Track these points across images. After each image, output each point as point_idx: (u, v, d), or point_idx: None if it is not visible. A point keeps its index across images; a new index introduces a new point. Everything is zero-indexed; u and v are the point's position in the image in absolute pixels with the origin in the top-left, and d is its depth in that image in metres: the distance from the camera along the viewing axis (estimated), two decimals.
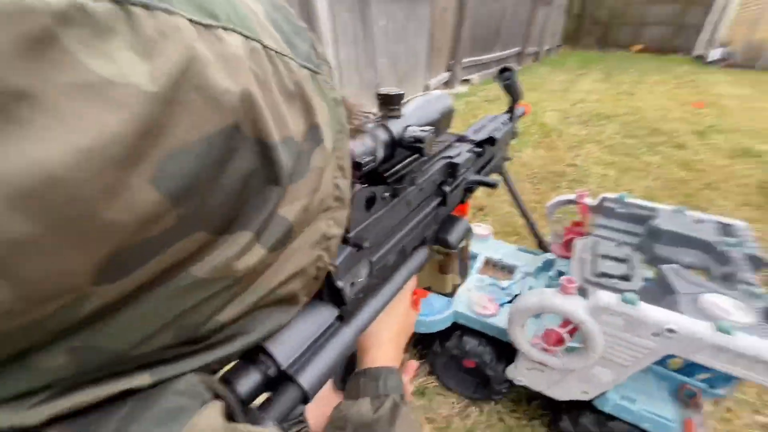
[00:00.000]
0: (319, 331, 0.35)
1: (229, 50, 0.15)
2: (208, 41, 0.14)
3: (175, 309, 0.17)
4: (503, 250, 1.23)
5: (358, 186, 0.38)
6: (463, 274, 0.70)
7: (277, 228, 0.19)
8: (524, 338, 0.80)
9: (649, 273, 0.90)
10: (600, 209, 1.09)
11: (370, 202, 0.39)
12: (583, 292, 0.81)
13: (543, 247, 1.16)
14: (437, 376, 1.09)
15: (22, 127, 0.10)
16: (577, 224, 1.18)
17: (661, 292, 0.77)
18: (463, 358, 1.01)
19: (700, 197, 2.28)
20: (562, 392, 0.84)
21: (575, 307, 0.71)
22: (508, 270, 1.17)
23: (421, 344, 1.19)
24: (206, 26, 0.14)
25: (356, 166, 0.34)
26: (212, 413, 0.17)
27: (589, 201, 1.14)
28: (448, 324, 0.98)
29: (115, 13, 0.11)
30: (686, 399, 0.79)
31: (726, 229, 0.96)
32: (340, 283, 0.36)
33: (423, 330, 0.96)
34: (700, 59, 9.78)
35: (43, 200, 0.11)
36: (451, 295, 0.68)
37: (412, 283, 0.55)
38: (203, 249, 0.17)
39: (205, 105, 0.14)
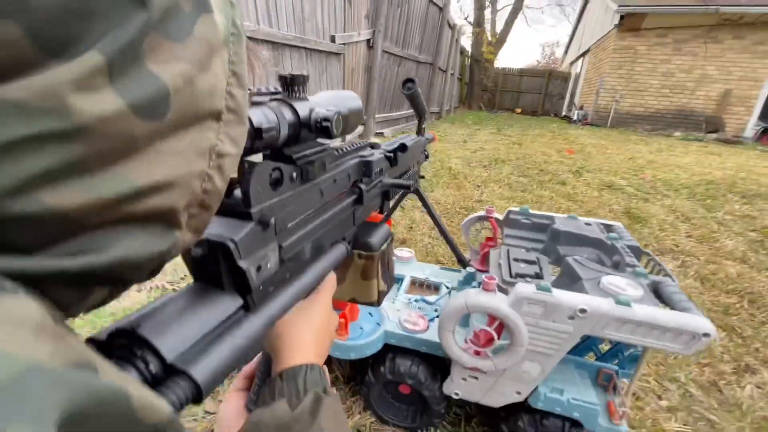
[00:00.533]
0: (217, 321, 0.30)
1: None
2: None
3: None
4: (427, 270, 1.25)
5: (261, 158, 0.36)
6: (388, 280, 0.68)
7: (145, 84, 0.15)
8: (455, 344, 0.79)
9: (555, 272, 0.98)
10: (507, 222, 1.19)
11: (277, 180, 0.37)
12: (503, 292, 0.84)
13: (462, 262, 1.21)
14: (373, 411, 1.01)
15: None
16: (490, 239, 1.26)
17: (568, 282, 0.84)
18: (398, 383, 0.96)
19: None
20: (497, 398, 0.83)
21: (498, 301, 0.73)
22: (434, 288, 1.18)
23: (353, 380, 1.11)
24: None
25: (256, 133, 0.32)
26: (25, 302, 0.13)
27: (498, 216, 1.23)
28: (380, 346, 0.93)
29: None
30: (605, 383, 0.83)
31: (609, 229, 1.11)
32: (242, 263, 0.32)
33: (354, 356, 0.90)
34: (567, 118, 11.94)
35: None
36: (377, 303, 0.65)
37: (331, 284, 0.51)
38: (24, 64, 0.12)
39: None
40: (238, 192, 0.34)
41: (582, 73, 13.33)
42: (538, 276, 0.91)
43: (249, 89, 0.33)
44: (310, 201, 0.44)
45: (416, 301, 1.06)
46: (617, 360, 0.91)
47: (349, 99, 0.50)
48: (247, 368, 0.48)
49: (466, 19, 17.74)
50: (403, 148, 0.75)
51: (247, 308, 0.34)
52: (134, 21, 0.14)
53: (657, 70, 9.39)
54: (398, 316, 0.98)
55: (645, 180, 4.02)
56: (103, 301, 0.19)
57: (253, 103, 0.34)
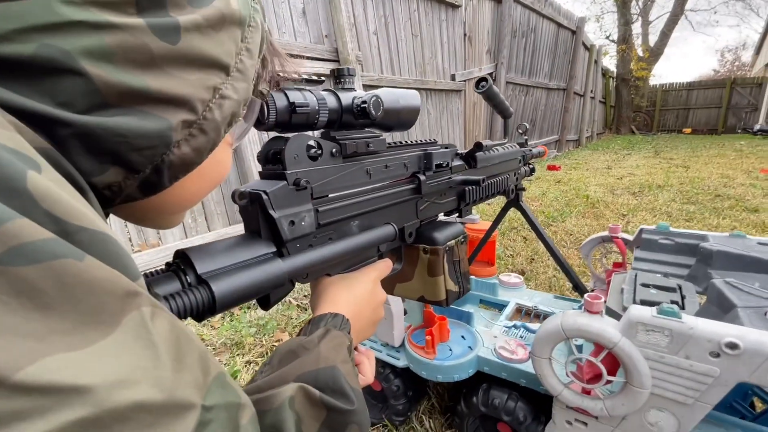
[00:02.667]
0: (250, 257, 0.36)
1: None
2: None
3: (44, 16, 0.19)
4: (538, 298, 1.11)
5: (304, 134, 0.42)
6: (459, 282, 0.64)
7: (164, 18, 0.23)
8: (553, 376, 0.67)
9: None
10: (639, 242, 0.97)
11: (314, 154, 0.43)
12: (616, 317, 0.69)
13: (579, 289, 1.03)
14: None
15: None
16: (618, 264, 1.05)
17: (716, 312, 0.63)
18: (496, 418, 0.85)
19: None
20: None
21: (603, 325, 0.60)
22: (543, 317, 1.03)
23: (451, 411, 1.03)
24: None
25: (291, 106, 0.39)
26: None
27: (626, 236, 1.03)
28: (471, 372, 0.85)
29: None
30: None
31: None
32: (274, 213, 0.38)
33: (441, 378, 0.84)
34: (764, 132, 9.31)
35: None
36: (446, 303, 0.61)
37: (384, 265, 0.53)
38: None
39: None
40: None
41: None
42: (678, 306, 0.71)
43: (294, 75, 0.40)
44: (354, 178, 0.48)
45: (516, 327, 0.94)
46: None
47: (405, 96, 0.53)
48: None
49: (608, 37, 16.07)
50: (479, 146, 0.72)
51: (281, 256, 0.39)
52: None
53: None
54: (495, 342, 0.89)
55: None
56: (120, 190, 0.25)
57: (296, 88, 0.40)
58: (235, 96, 0.28)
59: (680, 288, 0.77)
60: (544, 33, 5.88)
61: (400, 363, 0.91)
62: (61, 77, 0.20)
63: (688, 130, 13.08)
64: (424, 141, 0.64)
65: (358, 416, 0.32)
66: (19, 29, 0.19)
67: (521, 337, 0.92)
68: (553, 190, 3.81)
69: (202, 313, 0.31)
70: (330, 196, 0.46)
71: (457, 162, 0.70)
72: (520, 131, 1.03)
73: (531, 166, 1.04)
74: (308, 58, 2.48)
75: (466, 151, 0.73)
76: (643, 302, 0.72)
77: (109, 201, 0.26)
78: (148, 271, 0.33)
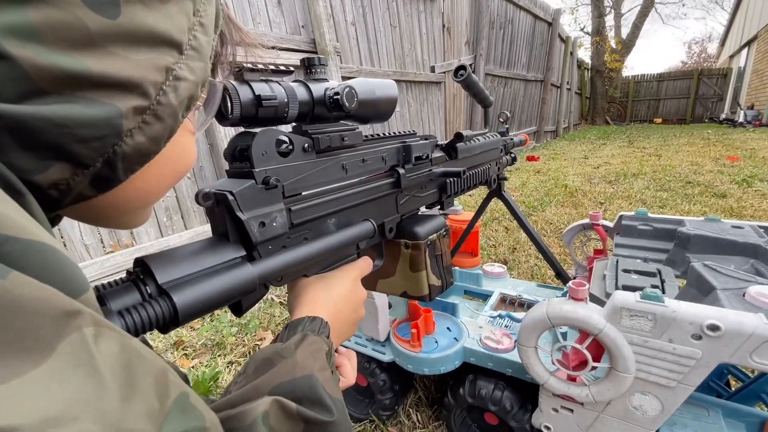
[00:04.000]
0: (214, 263, 0.33)
1: None
2: None
3: None
4: (522, 287, 1.11)
5: (273, 129, 0.39)
6: (441, 276, 0.63)
7: None
8: (539, 363, 0.67)
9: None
10: (619, 229, 0.99)
11: (285, 150, 0.40)
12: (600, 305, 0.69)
13: (563, 277, 1.04)
14: None
15: None
16: (599, 251, 1.06)
17: (698, 295, 0.64)
18: (483, 409, 0.85)
19: None
20: None
21: (588, 312, 0.60)
22: (527, 306, 1.04)
23: (438, 404, 1.02)
24: None
25: (257, 100, 0.36)
26: None
27: (606, 223, 1.04)
28: (457, 363, 0.85)
29: None
30: None
31: None
32: (242, 215, 0.35)
33: (427, 371, 0.83)
34: (729, 122, 9.72)
35: None
36: (429, 298, 0.60)
37: (364, 263, 0.51)
38: None
39: None
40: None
41: (748, 65, 10.82)
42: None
43: (258, 66, 0.37)
44: (328, 173, 0.46)
45: (501, 317, 0.94)
46: None
47: (381, 86, 0.51)
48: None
49: (582, 29, 16.38)
50: (458, 137, 0.70)
51: (251, 260, 0.36)
52: None
53: None
54: (480, 333, 0.88)
55: None
56: (69, 189, 0.22)
57: (263, 79, 0.37)
58: (192, 77, 0.25)
59: (660, 272, 0.78)
60: (521, 24, 5.92)
61: (386, 357, 0.89)
62: None
63: (659, 120, 13.54)
64: (402, 133, 0.62)
65: (338, 427, 0.30)
66: None
67: (506, 326, 0.92)
68: (532, 180, 3.87)
69: (164, 326, 0.29)
70: (303, 194, 0.43)
71: (438, 153, 0.68)
72: (501, 120, 1.02)
73: (513, 155, 1.04)
74: (284, 49, 2.41)
75: (446, 142, 0.72)
76: (626, 287, 0.73)
77: (56, 201, 0.23)
78: (106, 282, 0.30)
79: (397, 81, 3.47)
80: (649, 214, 0.96)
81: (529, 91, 6.73)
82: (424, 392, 1.07)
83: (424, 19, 3.74)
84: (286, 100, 0.38)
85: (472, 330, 0.90)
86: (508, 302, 1.07)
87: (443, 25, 4.04)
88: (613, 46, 12.64)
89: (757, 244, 0.75)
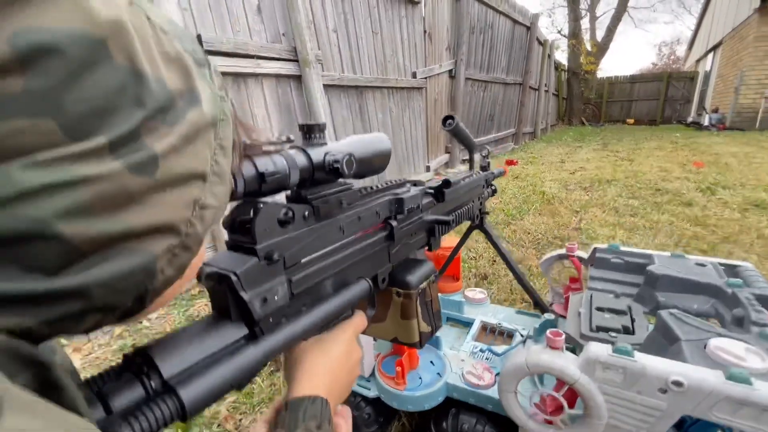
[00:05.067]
0: (218, 347, 0.34)
1: None
2: None
3: (3, 188, 0.17)
4: (502, 314, 1.15)
5: (270, 200, 0.39)
6: (431, 322, 0.65)
7: (140, 153, 0.21)
8: (518, 408, 0.70)
9: (652, 325, 0.81)
10: (594, 261, 1.03)
11: (286, 219, 0.40)
12: (580, 348, 0.73)
13: (540, 306, 1.08)
14: None
15: None
16: (574, 280, 1.11)
17: (662, 342, 0.68)
18: None
19: (719, 251, 2.16)
20: None
21: (565, 362, 0.63)
22: (507, 335, 1.07)
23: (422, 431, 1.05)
24: None
25: (260, 177, 0.36)
26: None
27: (581, 254, 1.09)
28: (440, 399, 0.87)
29: None
30: None
31: (732, 271, 0.88)
32: (244, 295, 0.35)
33: (411, 408, 0.86)
34: (695, 125, 10.17)
35: None
36: (419, 345, 0.62)
37: (359, 320, 0.52)
38: (54, 144, 0.18)
39: (74, 10, 0.18)
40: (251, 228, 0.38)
41: (713, 70, 11.33)
42: (627, 331, 0.76)
43: (260, 141, 0.37)
44: (327, 237, 0.46)
45: (482, 351, 0.97)
46: None
47: (374, 141, 0.51)
48: (278, 401, 0.50)
49: (559, 32, 16.75)
50: (446, 183, 0.72)
51: (255, 337, 0.36)
52: (134, 115, 0.20)
53: None
54: (462, 366, 0.91)
55: None
56: (96, 325, 0.23)
57: (264, 152, 0.37)
58: (215, 203, 0.26)
59: (630, 310, 0.83)
60: (501, 29, 6.00)
61: (371, 393, 0.91)
62: (30, 244, 0.18)
63: (632, 121, 14.04)
64: (393, 183, 0.63)
65: None
66: None
67: (487, 359, 0.95)
68: (511, 186, 3.95)
69: (169, 423, 0.29)
70: (303, 261, 0.43)
71: (426, 200, 0.70)
72: (483, 154, 1.04)
73: (493, 188, 1.07)
74: (265, 58, 2.37)
75: (434, 187, 0.73)
76: (599, 328, 0.77)
77: (78, 331, 0.23)
78: (104, 371, 0.30)
79: (379, 87, 3.48)
80: (622, 248, 1.01)
81: (509, 94, 6.85)
82: (407, 419, 1.10)
83: (405, 24, 3.74)
84: (287, 171, 0.39)
85: (454, 364, 0.93)
86: (489, 330, 1.10)
87: (425, 31, 4.06)
88: (589, 48, 12.99)
89: (717, 286, 0.80)
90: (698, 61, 14.00)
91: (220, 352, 0.33)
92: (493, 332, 1.09)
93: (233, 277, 0.35)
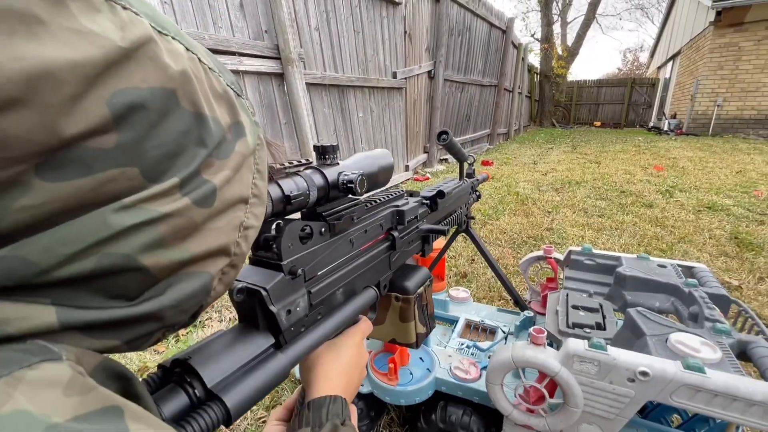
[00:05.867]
0: (251, 356, 0.37)
1: (174, 47, 0.22)
2: (162, 38, 0.21)
3: (100, 231, 0.19)
4: (484, 312, 1.22)
5: (292, 219, 0.43)
6: (426, 323, 0.70)
7: (203, 187, 0.24)
8: (505, 399, 0.77)
9: (620, 321, 0.90)
10: (569, 262, 1.12)
11: (306, 235, 0.43)
12: (559, 345, 0.80)
13: (520, 304, 1.16)
14: None
15: (35, 38, 0.16)
16: (551, 280, 1.20)
17: (630, 337, 0.76)
18: None
19: (676, 250, 2.34)
20: None
21: (546, 357, 0.70)
22: (489, 331, 1.14)
23: (409, 423, 1.11)
24: (160, 32, 0.21)
25: (286, 199, 0.39)
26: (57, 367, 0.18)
27: (557, 255, 1.17)
28: (430, 393, 0.93)
29: (101, 2, 0.19)
30: None
31: (688, 272, 0.99)
32: (273, 308, 0.39)
33: (403, 401, 0.91)
34: (656, 129, 10.75)
35: (39, 80, 0.16)
36: (416, 345, 0.67)
37: (365, 325, 0.56)
38: (135, 188, 0.20)
39: (154, 69, 0.20)
40: (274, 245, 0.41)
41: (672, 77, 12.01)
42: (600, 327, 0.84)
43: (283, 164, 0.41)
44: (340, 251, 0.50)
45: (468, 347, 1.04)
46: (707, 428, 0.79)
47: (379, 158, 0.56)
48: (289, 400, 0.53)
49: (533, 35, 17.25)
50: (440, 194, 0.78)
51: (279, 346, 0.40)
52: (199, 154, 0.23)
53: None
54: (449, 362, 0.97)
55: (759, 198, 3.44)
56: (157, 340, 0.27)
57: (287, 174, 0.41)
58: (257, 223, 0.29)
59: (602, 308, 0.91)
60: (478, 32, 6.14)
61: (364, 389, 0.96)
62: (118, 276, 0.21)
63: (598, 123, 14.69)
64: (392, 195, 0.67)
65: None
66: (78, 251, 0.19)
67: (472, 354, 1.02)
68: (487, 186, 4.08)
69: (215, 429, 0.32)
70: (319, 273, 0.46)
71: (422, 210, 0.75)
72: (469, 162, 1.10)
73: (478, 194, 1.13)
74: (248, 55, 2.35)
75: (429, 196, 0.78)
76: (575, 325, 0.85)
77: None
78: (145, 376, 0.33)
79: (360, 87, 3.50)
80: (594, 250, 1.10)
81: (484, 95, 7.02)
82: (396, 412, 1.15)
83: (386, 24, 3.78)
84: (308, 191, 0.42)
85: (442, 359, 0.99)
86: (473, 327, 1.17)
87: (405, 32, 4.11)
88: (560, 53, 13.46)
89: (676, 285, 0.90)
90: (659, 68, 14.81)
91: (253, 361, 0.37)
92: (476, 329, 1.16)
93: (264, 293, 0.38)
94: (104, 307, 0.21)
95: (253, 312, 0.39)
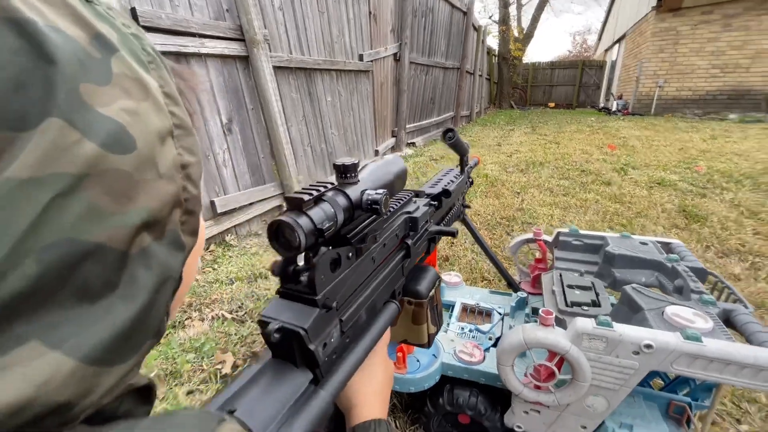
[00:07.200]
0: (294, 397, 0.36)
1: None
2: None
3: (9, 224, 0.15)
4: (478, 295, 1.26)
5: (323, 249, 0.40)
6: (436, 322, 0.70)
7: (103, 125, 0.18)
8: (515, 379, 0.80)
9: (612, 297, 0.96)
10: (557, 243, 1.17)
11: (335, 264, 0.41)
12: (560, 323, 0.84)
13: (513, 286, 1.20)
14: None
15: None
16: (539, 260, 1.25)
17: (627, 312, 0.82)
18: (457, 413, 0.97)
19: (635, 225, 2.53)
20: None
21: (557, 337, 0.73)
22: (485, 314, 1.18)
23: (411, 408, 1.13)
24: None
25: (318, 232, 0.36)
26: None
27: (546, 237, 1.22)
28: (437, 378, 0.95)
29: None
30: (677, 416, 0.80)
31: (667, 248, 1.06)
32: (312, 346, 0.37)
33: (413, 389, 0.92)
34: (605, 110, 11.38)
35: None
36: (428, 345, 0.67)
37: (386, 339, 0.55)
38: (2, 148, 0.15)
39: None
40: (304, 277, 0.38)
41: (618, 60, 12.69)
42: (595, 304, 0.89)
43: (310, 187, 0.37)
44: (364, 271, 0.48)
45: (470, 330, 1.07)
46: (688, 388, 0.88)
47: (392, 164, 0.53)
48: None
49: (490, 17, 17.47)
50: (446, 193, 0.78)
51: (317, 380, 0.39)
52: (57, 80, 0.17)
53: (704, 50, 8.77)
54: (453, 346, 0.99)
55: (700, 173, 3.76)
56: (150, 348, 0.24)
57: (315, 201, 0.38)
58: (193, 158, 0.25)
59: (594, 285, 0.97)
60: (440, 13, 6.11)
61: None
62: (77, 271, 0.18)
63: (552, 105, 15.32)
64: (403, 200, 0.63)
65: None
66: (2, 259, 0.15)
67: (474, 337, 1.05)
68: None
69: None
70: (347, 299, 0.45)
71: (430, 210, 0.73)
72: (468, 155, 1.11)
73: (471, 180, 1.14)
74: (210, 36, 2.19)
75: (434, 194, 0.77)
76: (574, 304, 0.89)
77: None
78: None
79: (328, 70, 3.39)
80: (580, 231, 1.15)
81: (448, 78, 7.06)
82: (397, 399, 1.17)
83: (351, 4, 3.66)
84: (335, 217, 0.39)
85: (445, 344, 1.01)
86: (469, 311, 1.20)
87: (370, 12, 4.00)
88: (516, 35, 13.75)
89: (660, 261, 0.96)
90: (606, 50, 15.58)
91: (298, 401, 0.35)
92: (473, 312, 1.19)
93: (302, 332, 0.36)
94: (98, 319, 0.18)
95: (289, 350, 0.37)
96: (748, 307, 0.78)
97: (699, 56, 8.86)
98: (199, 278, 2.03)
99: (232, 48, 2.36)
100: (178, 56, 2.04)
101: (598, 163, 4.23)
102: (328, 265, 0.39)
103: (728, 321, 0.76)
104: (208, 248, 2.31)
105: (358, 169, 0.46)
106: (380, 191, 0.44)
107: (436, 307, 0.70)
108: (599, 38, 18.59)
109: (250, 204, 2.60)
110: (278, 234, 0.36)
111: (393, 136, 5.06)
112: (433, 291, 0.67)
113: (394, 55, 4.73)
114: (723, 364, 0.65)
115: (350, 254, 0.44)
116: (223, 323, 1.58)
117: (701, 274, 0.92)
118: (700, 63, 8.89)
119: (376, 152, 4.50)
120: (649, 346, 0.68)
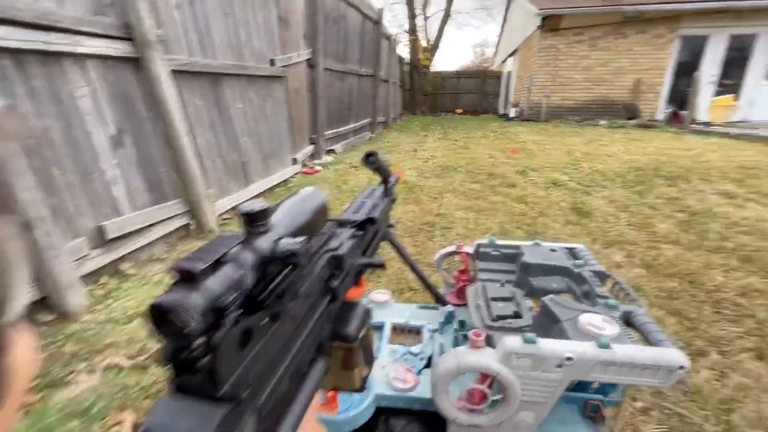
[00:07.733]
0: None
1: None
2: None
3: None
4: (407, 312, 1.24)
5: (227, 322, 0.30)
6: (369, 362, 0.65)
7: None
8: (451, 405, 0.79)
9: (531, 303, 1.02)
10: (478, 255, 1.21)
11: (246, 338, 0.32)
12: (488, 340, 0.85)
13: (440, 300, 1.21)
14: None
15: None
16: (463, 272, 1.28)
17: (547, 323, 0.87)
18: None
19: (538, 224, 2.79)
20: None
21: (488, 360, 0.73)
22: (415, 332, 1.17)
23: None
24: None
25: (217, 312, 0.28)
26: None
27: (468, 249, 1.26)
28: (372, 411, 0.90)
29: None
30: (592, 414, 0.87)
31: (572, 252, 1.17)
32: None
33: (347, 429, 0.86)
34: (505, 116, 12.59)
35: None
36: (361, 390, 0.62)
37: (314, 400, 0.49)
38: None
39: None
40: (203, 364, 0.28)
41: (513, 71, 14.15)
42: (518, 315, 0.93)
43: (209, 246, 0.29)
44: (284, 335, 0.40)
45: (402, 354, 1.04)
46: (596, 384, 0.96)
47: (309, 201, 0.46)
48: None
49: (400, 27, 18.20)
50: (371, 221, 0.73)
51: None
52: None
53: (579, 66, 10.22)
54: (386, 372, 0.95)
55: (584, 173, 4.33)
56: None
57: (212, 267, 0.29)
58: None
59: (515, 295, 1.01)
60: (353, 21, 6.15)
61: None
62: None
63: (460, 111, 16.48)
64: (324, 236, 0.56)
65: None
66: None
67: (406, 360, 1.02)
68: (376, 178, 4.18)
69: None
70: (262, 376, 0.35)
71: (355, 241, 0.68)
72: (392, 178, 1.08)
73: (394, 198, 1.12)
74: (87, 34, 1.87)
75: (359, 222, 0.72)
76: (498, 317, 0.92)
77: None
78: None
79: (237, 75, 3.16)
80: (497, 242, 1.21)
81: (363, 85, 7.14)
82: None
83: (258, 7, 3.46)
84: (242, 284, 0.31)
85: (378, 371, 0.97)
86: (399, 330, 1.18)
87: (279, 17, 3.84)
88: (424, 45, 14.51)
89: (568, 267, 1.05)
90: (503, 62, 17.28)
91: None
92: (402, 331, 1.17)
93: None
94: None
95: None
96: (642, 307, 0.88)
97: (575, 71, 10.30)
98: (87, 318, 1.71)
99: (118, 48, 2.05)
100: (46, 55, 1.70)
101: (503, 167, 4.62)
102: (235, 345, 0.30)
103: (628, 322, 0.84)
104: (97, 282, 1.96)
105: (269, 215, 0.38)
106: (299, 239, 0.37)
107: (368, 346, 0.65)
108: (496, 51, 20.55)
109: (150, 226, 2.28)
110: (162, 318, 0.27)
111: (312, 144, 4.93)
112: (364, 330, 0.62)
113: (308, 61, 4.61)
114: (630, 367, 0.71)
115: (265, 321, 0.35)
116: (119, 373, 1.34)
117: (602, 276, 1.02)
118: (576, 77, 10.34)
119: (294, 161, 4.33)
120: (570, 359, 0.71)
